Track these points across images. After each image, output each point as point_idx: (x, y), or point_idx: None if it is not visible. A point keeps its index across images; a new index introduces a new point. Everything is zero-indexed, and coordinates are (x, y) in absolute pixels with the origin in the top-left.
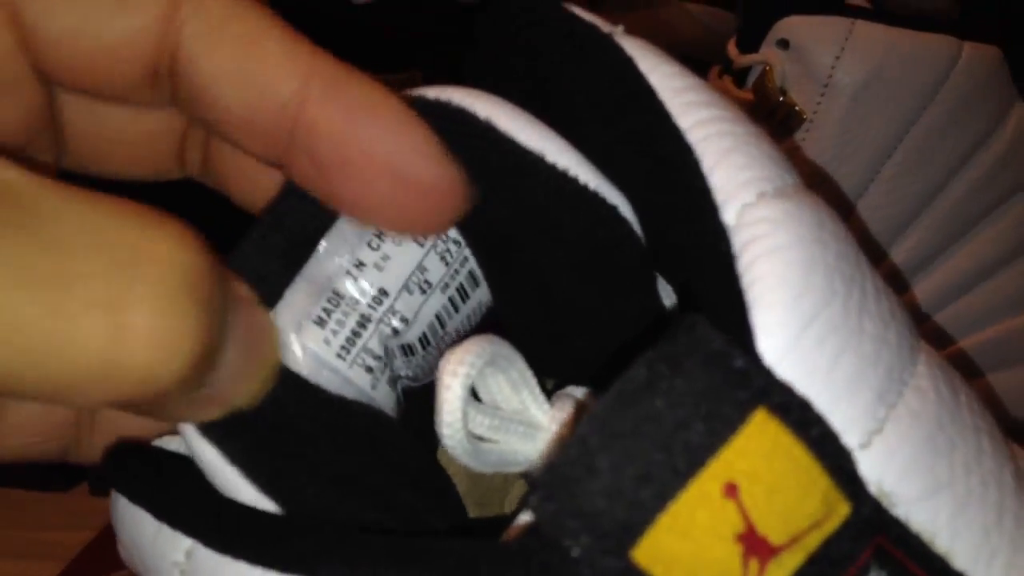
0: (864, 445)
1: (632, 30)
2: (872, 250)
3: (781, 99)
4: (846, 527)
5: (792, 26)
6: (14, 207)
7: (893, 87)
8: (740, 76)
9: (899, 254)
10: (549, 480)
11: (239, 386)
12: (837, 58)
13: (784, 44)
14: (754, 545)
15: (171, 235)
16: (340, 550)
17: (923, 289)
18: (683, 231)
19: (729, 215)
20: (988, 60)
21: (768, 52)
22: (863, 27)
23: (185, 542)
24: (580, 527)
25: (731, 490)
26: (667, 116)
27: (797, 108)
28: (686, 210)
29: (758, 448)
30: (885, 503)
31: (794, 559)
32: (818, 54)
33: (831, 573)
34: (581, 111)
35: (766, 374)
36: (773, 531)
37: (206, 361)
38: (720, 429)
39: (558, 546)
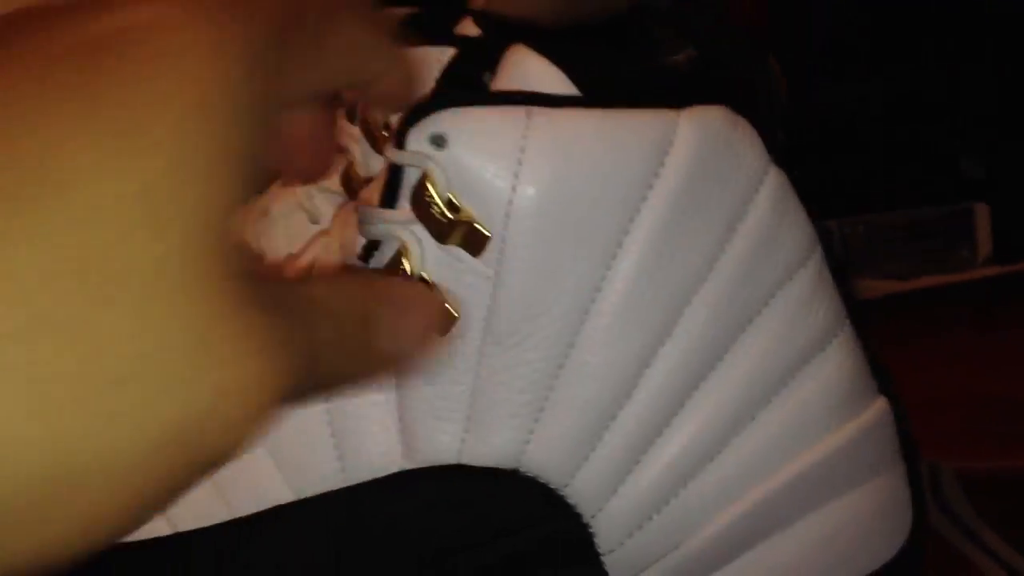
0: None
1: None
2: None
3: (453, 216)
4: None
5: (453, 124)
6: None
7: (587, 197)
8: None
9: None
10: None
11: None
12: (516, 170)
13: (438, 141)
14: None
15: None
16: None
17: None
18: None
19: None
20: (715, 129)
21: (419, 153)
22: (542, 117)
23: None
24: None
25: None
26: None
27: (477, 226)
28: None
29: None
30: None
31: None
32: (490, 164)
33: None
34: None
35: None
36: None
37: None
38: None
39: None
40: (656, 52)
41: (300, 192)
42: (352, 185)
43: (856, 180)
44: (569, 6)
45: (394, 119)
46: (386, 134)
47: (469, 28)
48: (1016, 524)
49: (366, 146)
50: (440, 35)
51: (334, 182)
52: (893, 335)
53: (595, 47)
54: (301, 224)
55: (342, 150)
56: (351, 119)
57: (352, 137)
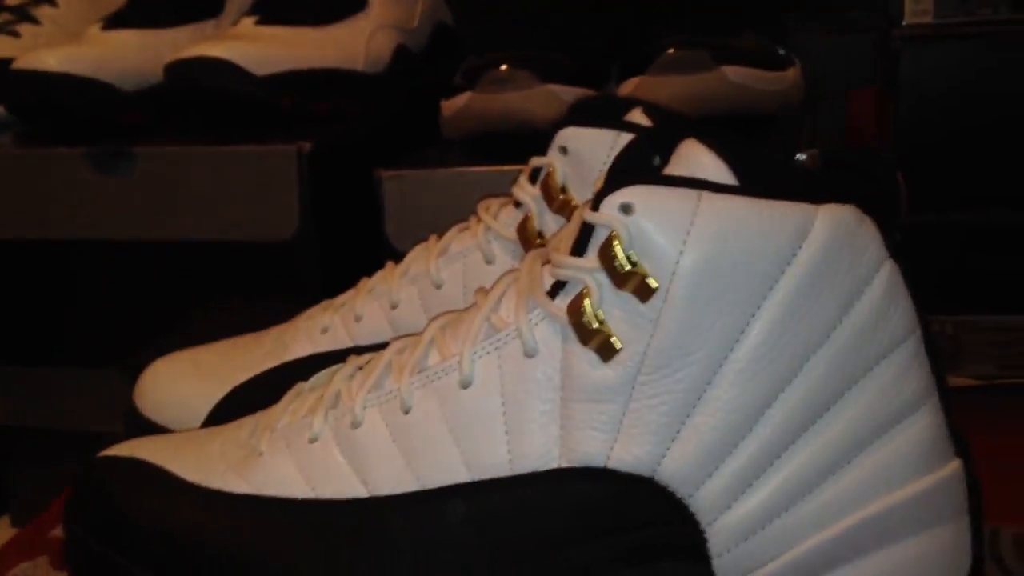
0: None
1: None
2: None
3: (630, 268)
4: None
5: (639, 196)
6: None
7: (740, 265)
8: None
9: (751, 443)
10: None
11: None
12: (685, 239)
13: (626, 209)
14: None
15: None
16: None
17: (789, 474)
18: None
19: None
20: (843, 223)
21: (611, 216)
22: (709, 200)
23: None
24: None
25: None
26: None
27: (648, 279)
28: None
29: None
30: None
31: None
32: (666, 230)
33: None
34: None
35: None
36: None
37: None
38: None
39: None
40: (790, 148)
41: (480, 235)
42: (527, 236)
43: (953, 283)
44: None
45: (568, 184)
46: (563, 196)
47: (639, 117)
48: None
49: (543, 205)
50: (614, 121)
51: (510, 232)
52: (977, 415)
53: (745, 143)
54: (477, 263)
55: (520, 205)
56: (532, 180)
57: (531, 195)
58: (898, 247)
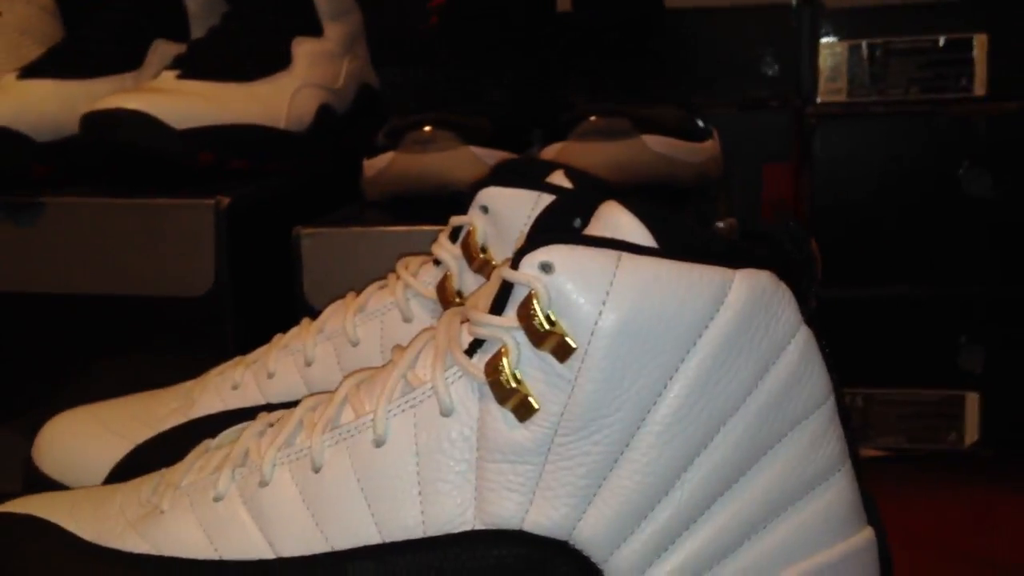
0: None
1: None
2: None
3: (549, 327)
4: None
5: (559, 255)
6: None
7: (658, 326)
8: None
9: (667, 507)
10: None
11: None
12: (604, 299)
13: (546, 268)
14: None
15: None
16: None
17: (705, 539)
18: None
19: None
20: (760, 288)
21: (530, 275)
22: (629, 261)
23: None
24: None
25: None
26: None
27: (567, 339)
28: None
29: None
30: None
31: None
32: (584, 290)
33: None
34: None
35: None
36: None
37: None
38: None
39: None
40: (707, 217)
41: (398, 293)
42: (446, 295)
43: (863, 356)
44: (625, 172)
45: (489, 243)
46: (483, 256)
47: (561, 179)
48: None
49: (463, 263)
50: (536, 182)
51: (429, 290)
52: (886, 486)
53: (664, 208)
54: (394, 321)
55: (439, 264)
56: (453, 239)
57: (451, 254)
58: (812, 315)
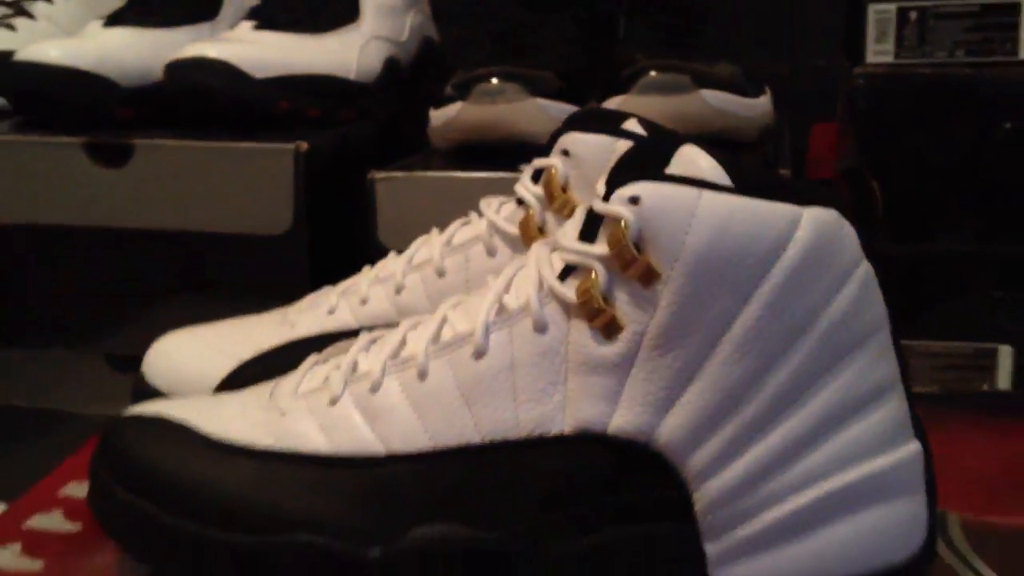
0: None
1: None
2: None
3: (638, 254)
4: None
5: (646, 190)
6: None
7: (735, 255)
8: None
9: (738, 417)
10: None
11: None
12: (687, 228)
13: (635, 200)
14: None
15: None
16: None
17: (771, 446)
18: None
19: None
20: (827, 224)
21: (620, 208)
22: (709, 197)
23: None
24: None
25: None
26: None
27: (652, 265)
28: None
29: None
30: None
31: None
32: (670, 222)
33: None
34: None
35: None
36: None
37: None
38: None
39: None
40: (770, 165)
41: (483, 229)
42: (528, 231)
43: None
44: (683, 126)
45: (569, 184)
46: (563, 196)
47: (635, 127)
48: (1003, 560)
49: (543, 203)
50: (612, 129)
51: (512, 227)
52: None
53: (733, 154)
54: (479, 254)
55: (522, 203)
56: (535, 180)
57: (533, 194)
58: (872, 250)
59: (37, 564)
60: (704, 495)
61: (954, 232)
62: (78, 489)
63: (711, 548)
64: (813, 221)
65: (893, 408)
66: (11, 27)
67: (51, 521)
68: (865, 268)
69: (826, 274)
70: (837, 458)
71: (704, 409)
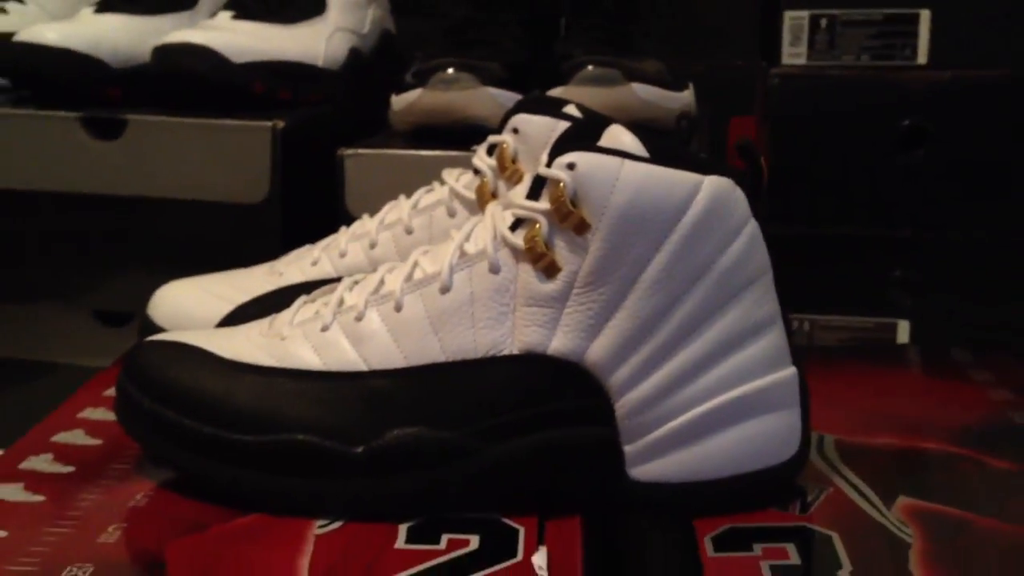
0: None
1: None
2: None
3: (573, 209)
4: None
5: (581, 158)
6: None
7: (650, 211)
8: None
9: (652, 341)
10: None
11: None
12: (612, 189)
13: (571, 166)
14: None
15: None
16: None
17: (677, 366)
18: None
19: None
20: (722, 189)
21: (559, 172)
22: (630, 165)
23: None
24: None
25: None
26: None
27: (584, 218)
28: None
29: None
30: None
31: None
32: (598, 183)
33: None
34: None
35: None
36: None
37: None
38: None
39: None
40: (685, 145)
41: (445, 194)
42: (482, 195)
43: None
44: (615, 114)
45: (518, 157)
46: (513, 166)
47: (573, 111)
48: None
49: (496, 172)
50: (555, 112)
51: (469, 192)
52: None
53: (649, 133)
54: (441, 215)
55: (478, 172)
56: (489, 153)
57: (487, 164)
58: (758, 211)
59: (39, 498)
60: (624, 405)
61: (852, 214)
62: (69, 436)
63: (628, 448)
64: (711, 186)
65: (774, 339)
66: (2, 10)
67: (43, 463)
68: (752, 225)
69: (721, 228)
70: (729, 377)
71: (624, 335)
